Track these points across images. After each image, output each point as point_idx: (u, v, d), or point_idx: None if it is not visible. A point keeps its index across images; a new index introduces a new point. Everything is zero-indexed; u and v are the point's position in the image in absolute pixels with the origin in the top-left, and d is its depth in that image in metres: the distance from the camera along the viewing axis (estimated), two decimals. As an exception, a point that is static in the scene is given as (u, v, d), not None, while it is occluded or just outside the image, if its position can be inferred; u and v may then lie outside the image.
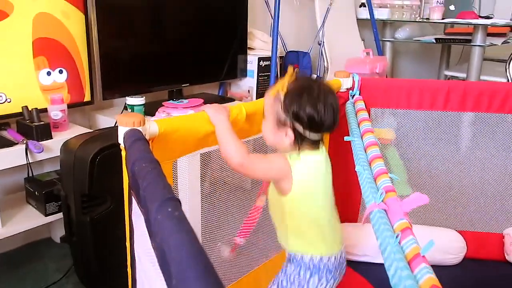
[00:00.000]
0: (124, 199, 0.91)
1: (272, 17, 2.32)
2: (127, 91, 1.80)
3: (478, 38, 2.68)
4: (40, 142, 1.47)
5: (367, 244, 1.61)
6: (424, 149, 1.70)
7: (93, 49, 1.71)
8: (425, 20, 3.07)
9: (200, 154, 1.17)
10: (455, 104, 1.59)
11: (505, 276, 1.64)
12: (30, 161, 1.45)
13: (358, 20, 2.95)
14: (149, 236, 0.59)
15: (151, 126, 0.95)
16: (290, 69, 1.00)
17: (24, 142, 1.45)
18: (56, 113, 1.60)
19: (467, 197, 1.72)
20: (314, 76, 2.60)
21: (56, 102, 1.60)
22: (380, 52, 2.95)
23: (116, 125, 1.03)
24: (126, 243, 0.93)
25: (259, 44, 2.40)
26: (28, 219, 1.57)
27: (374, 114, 1.62)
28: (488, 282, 1.60)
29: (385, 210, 0.83)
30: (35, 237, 1.86)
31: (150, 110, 1.78)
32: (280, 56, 2.38)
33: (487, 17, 2.82)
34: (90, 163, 1.33)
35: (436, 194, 1.71)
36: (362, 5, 2.97)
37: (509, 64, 2.60)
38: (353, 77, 1.57)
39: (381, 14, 2.96)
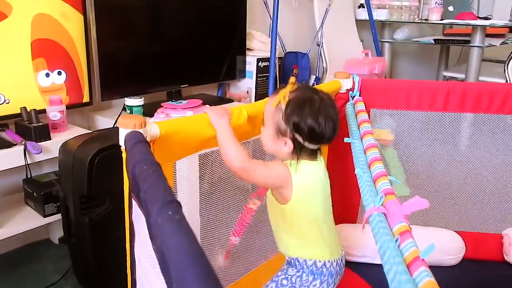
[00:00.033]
0: (124, 202, 0.90)
1: (271, 18, 2.32)
2: (126, 92, 1.80)
3: (477, 39, 2.69)
4: (39, 143, 1.47)
5: (366, 245, 1.61)
6: (423, 149, 1.70)
7: (91, 50, 1.71)
8: (423, 21, 3.08)
9: (199, 155, 1.17)
10: (455, 105, 1.60)
11: (504, 277, 1.64)
12: (28, 162, 1.45)
13: (357, 21, 2.95)
14: (150, 238, 0.59)
15: (152, 128, 0.94)
16: (292, 79, 1.00)
17: (23, 143, 1.45)
18: (54, 114, 1.59)
19: (466, 197, 1.72)
20: (313, 77, 2.60)
21: (54, 103, 1.60)
22: (379, 53, 2.96)
23: (116, 126, 1.03)
24: (126, 245, 0.93)
25: (258, 45, 2.39)
26: (26, 220, 1.56)
27: (373, 115, 1.62)
28: (487, 283, 1.61)
29: (384, 214, 0.83)
30: (33, 238, 1.86)
31: (149, 111, 1.78)
32: (279, 57, 2.37)
33: (486, 18, 2.82)
34: (89, 164, 1.33)
35: (435, 194, 1.71)
36: (361, 6, 2.98)
37: (507, 65, 2.60)
38: (353, 78, 1.57)
39: (379, 15, 2.97)
